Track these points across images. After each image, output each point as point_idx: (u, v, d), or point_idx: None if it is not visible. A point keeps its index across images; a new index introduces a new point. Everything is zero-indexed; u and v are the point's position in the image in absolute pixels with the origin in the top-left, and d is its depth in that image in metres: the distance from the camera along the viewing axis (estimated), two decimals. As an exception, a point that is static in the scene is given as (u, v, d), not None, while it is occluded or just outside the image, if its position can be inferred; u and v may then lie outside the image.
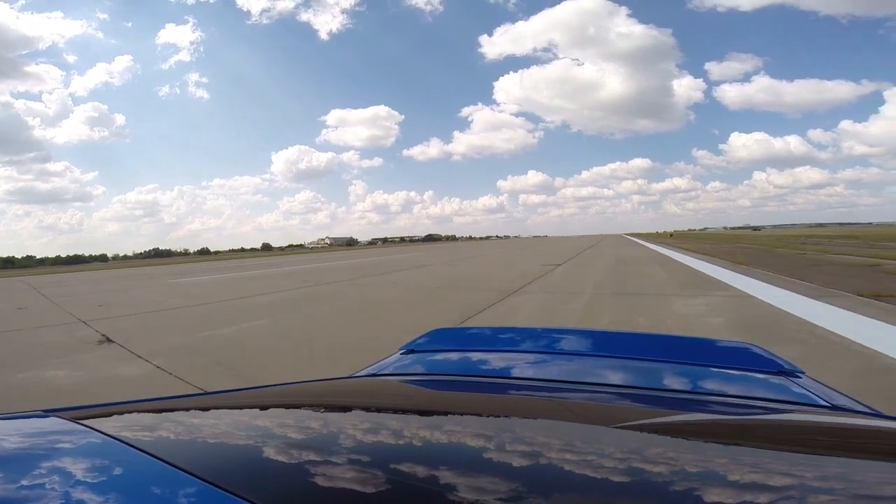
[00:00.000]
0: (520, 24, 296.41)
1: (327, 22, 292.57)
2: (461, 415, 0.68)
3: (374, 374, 0.97)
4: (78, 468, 0.44)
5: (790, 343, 3.78)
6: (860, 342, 3.71)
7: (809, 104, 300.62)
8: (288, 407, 0.74)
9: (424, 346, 1.16)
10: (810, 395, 0.77)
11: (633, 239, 45.07)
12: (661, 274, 9.90)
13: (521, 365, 1.03)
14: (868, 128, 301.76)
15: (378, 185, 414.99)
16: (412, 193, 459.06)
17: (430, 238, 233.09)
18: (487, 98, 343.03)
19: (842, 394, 0.82)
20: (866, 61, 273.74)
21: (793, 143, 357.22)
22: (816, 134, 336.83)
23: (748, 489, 0.39)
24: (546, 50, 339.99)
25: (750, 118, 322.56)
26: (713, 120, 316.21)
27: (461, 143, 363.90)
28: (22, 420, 0.60)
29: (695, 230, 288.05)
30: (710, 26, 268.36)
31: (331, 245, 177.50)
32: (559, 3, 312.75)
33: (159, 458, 0.43)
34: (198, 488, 0.37)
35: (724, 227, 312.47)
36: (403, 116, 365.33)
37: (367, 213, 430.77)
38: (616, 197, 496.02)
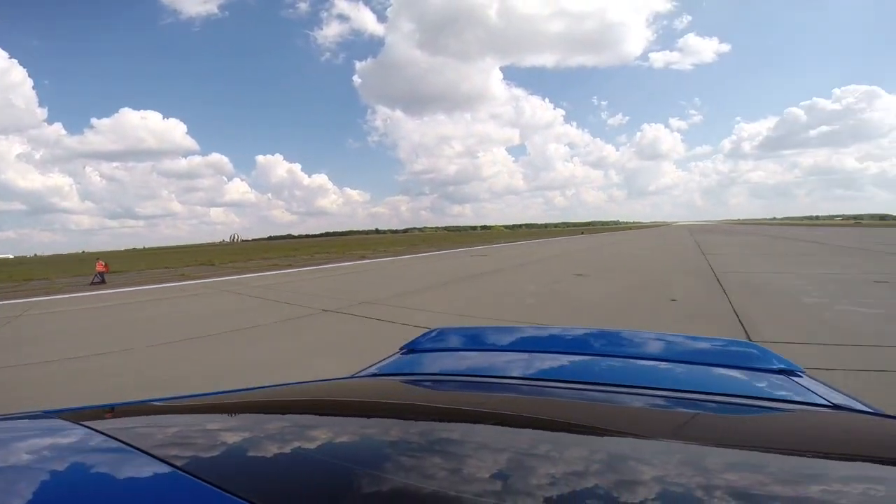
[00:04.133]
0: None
1: None
2: (462, 415, 0.68)
3: (375, 374, 0.97)
4: (78, 469, 0.44)
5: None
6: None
7: None
8: (289, 407, 0.74)
9: (425, 346, 1.16)
10: (810, 393, 0.78)
11: None
12: None
13: (521, 364, 1.03)
14: None
15: None
16: None
17: None
18: None
19: (842, 393, 0.82)
20: None
21: None
22: None
23: (748, 489, 0.40)
24: None
25: None
26: None
27: None
28: (22, 420, 0.60)
29: None
30: None
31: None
32: None
33: (159, 458, 0.43)
34: (198, 488, 0.37)
35: None
36: None
37: None
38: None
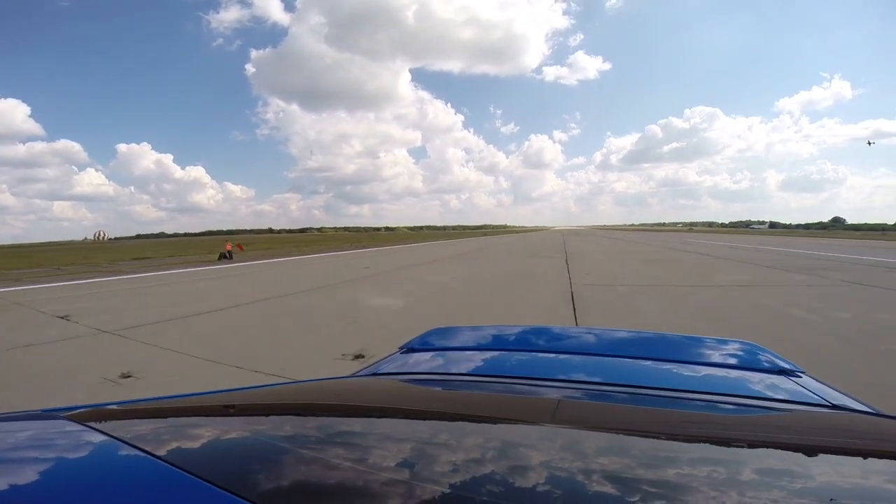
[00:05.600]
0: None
1: None
2: (462, 414, 0.69)
3: (374, 374, 0.98)
4: (78, 468, 0.45)
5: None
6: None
7: None
8: (288, 407, 0.75)
9: (424, 345, 1.17)
10: (810, 394, 0.78)
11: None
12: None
13: (521, 364, 1.05)
14: None
15: None
16: None
17: None
18: None
19: (842, 393, 0.82)
20: None
21: None
22: None
23: (747, 489, 0.40)
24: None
25: None
26: None
27: None
28: (22, 420, 0.60)
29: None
30: None
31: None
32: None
33: (159, 458, 0.43)
34: (198, 488, 0.38)
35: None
36: None
37: None
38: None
